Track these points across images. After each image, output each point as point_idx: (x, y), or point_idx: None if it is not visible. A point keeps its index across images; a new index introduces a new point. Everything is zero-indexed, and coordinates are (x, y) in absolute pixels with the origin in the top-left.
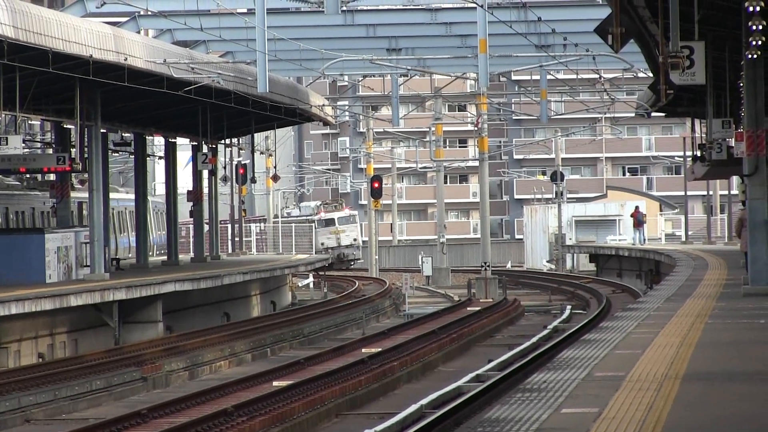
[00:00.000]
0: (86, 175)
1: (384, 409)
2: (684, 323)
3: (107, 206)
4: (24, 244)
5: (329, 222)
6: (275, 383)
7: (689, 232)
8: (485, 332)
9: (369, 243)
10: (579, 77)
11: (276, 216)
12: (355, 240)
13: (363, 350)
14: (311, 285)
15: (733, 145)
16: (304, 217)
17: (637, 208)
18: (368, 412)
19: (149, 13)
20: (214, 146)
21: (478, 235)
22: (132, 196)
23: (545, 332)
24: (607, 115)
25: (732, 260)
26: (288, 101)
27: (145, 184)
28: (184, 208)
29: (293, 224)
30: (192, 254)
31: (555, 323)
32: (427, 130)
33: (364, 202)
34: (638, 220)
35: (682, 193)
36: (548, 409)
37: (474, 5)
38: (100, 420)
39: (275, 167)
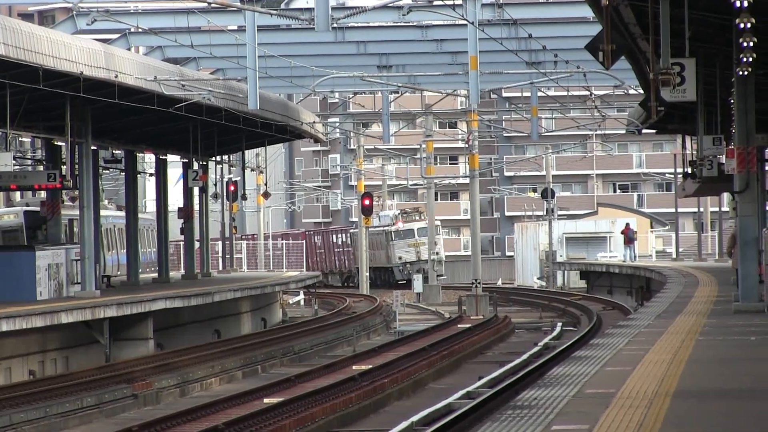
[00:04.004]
0: (77, 192)
1: (374, 427)
2: (674, 340)
3: (98, 223)
4: (15, 261)
5: (408, 233)
6: (266, 400)
7: (680, 249)
8: (476, 349)
9: (360, 260)
10: (570, 94)
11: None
12: (437, 254)
13: (354, 367)
14: (302, 302)
15: (724, 161)
16: (381, 228)
17: (627, 225)
18: (359, 429)
19: (140, 30)
20: (204, 163)
21: (469, 252)
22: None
23: (536, 349)
24: (598, 132)
25: (723, 277)
26: (279, 118)
27: (135, 201)
28: (174, 225)
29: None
30: (183, 271)
31: (545, 340)
32: (418, 147)
33: (354, 219)
34: (629, 237)
35: (673, 209)
36: (539, 426)
37: (465, 22)
38: None
39: (266, 184)
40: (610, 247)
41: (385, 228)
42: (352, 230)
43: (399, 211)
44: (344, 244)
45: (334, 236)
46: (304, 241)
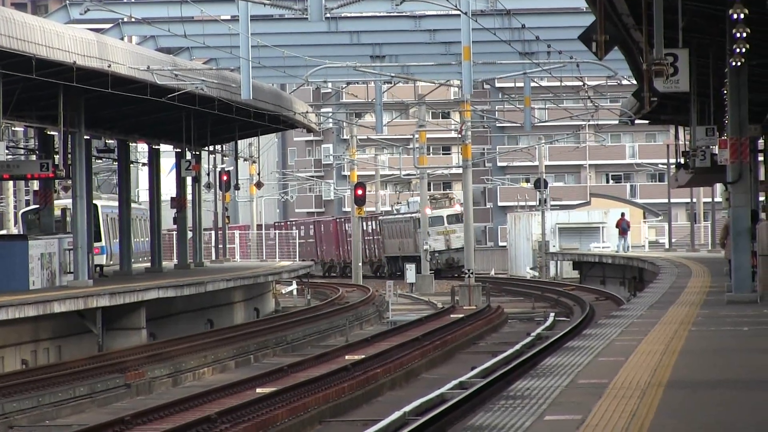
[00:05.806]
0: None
1: (367, 416)
2: (667, 331)
3: (90, 213)
4: (7, 250)
5: (437, 220)
6: (258, 390)
7: (673, 240)
8: (468, 339)
9: (353, 250)
10: (563, 84)
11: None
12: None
13: (346, 357)
14: (295, 292)
15: (717, 152)
16: (409, 215)
17: (622, 215)
18: (351, 419)
19: (133, 19)
20: (197, 153)
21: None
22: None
23: (528, 339)
24: (591, 123)
25: (715, 268)
26: (272, 108)
27: (128, 191)
28: (167, 214)
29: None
30: (175, 261)
31: (538, 330)
32: (411, 137)
33: (347, 209)
34: (622, 228)
35: (666, 200)
36: (531, 416)
37: (458, 12)
38: (83, 426)
39: (259, 174)
40: (603, 237)
41: (414, 215)
42: (381, 217)
43: (428, 197)
44: (374, 231)
45: (364, 223)
46: (334, 229)
